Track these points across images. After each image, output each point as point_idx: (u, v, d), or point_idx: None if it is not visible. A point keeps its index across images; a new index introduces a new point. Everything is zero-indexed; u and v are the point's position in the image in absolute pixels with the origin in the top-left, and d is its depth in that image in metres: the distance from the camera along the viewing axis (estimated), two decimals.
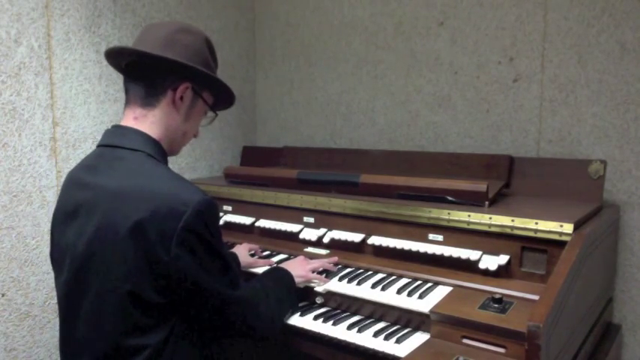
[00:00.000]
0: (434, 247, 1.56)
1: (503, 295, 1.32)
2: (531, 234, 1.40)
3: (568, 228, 1.34)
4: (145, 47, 1.24)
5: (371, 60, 2.43)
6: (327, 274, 1.62)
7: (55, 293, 1.35)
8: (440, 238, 1.56)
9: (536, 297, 1.26)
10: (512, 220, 1.43)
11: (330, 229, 1.81)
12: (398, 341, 1.32)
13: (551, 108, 1.97)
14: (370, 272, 1.62)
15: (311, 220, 1.86)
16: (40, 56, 1.87)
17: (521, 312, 1.25)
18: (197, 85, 1.31)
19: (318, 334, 1.42)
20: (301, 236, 1.84)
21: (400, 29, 2.32)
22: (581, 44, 1.88)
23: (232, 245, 1.88)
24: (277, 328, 1.40)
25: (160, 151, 1.28)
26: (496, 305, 1.28)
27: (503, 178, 1.85)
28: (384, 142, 2.42)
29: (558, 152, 1.96)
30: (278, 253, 1.84)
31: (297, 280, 1.52)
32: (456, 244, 1.53)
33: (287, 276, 1.51)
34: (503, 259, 1.44)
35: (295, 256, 1.71)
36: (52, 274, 1.37)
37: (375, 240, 1.67)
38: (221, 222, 2.06)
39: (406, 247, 1.59)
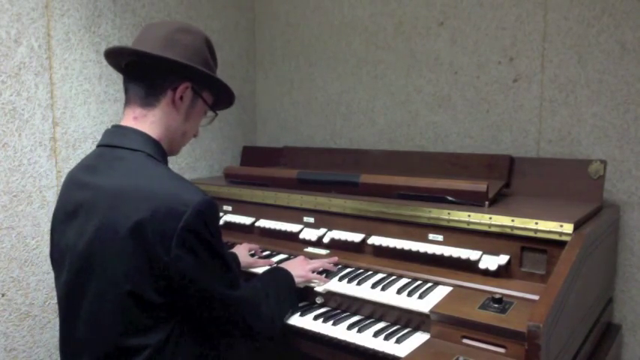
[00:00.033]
0: (434, 247, 1.56)
1: (503, 295, 1.32)
2: (531, 234, 1.40)
3: (568, 228, 1.34)
4: (145, 47, 1.23)
5: (371, 60, 2.43)
6: (327, 274, 1.62)
7: (55, 293, 1.35)
8: (440, 238, 1.56)
9: (536, 297, 1.26)
10: (512, 220, 1.43)
11: (330, 229, 1.81)
12: (398, 341, 1.32)
13: (551, 108, 1.97)
14: (370, 272, 1.62)
15: (311, 220, 1.86)
16: (40, 56, 1.87)
17: (521, 312, 1.25)
18: (197, 84, 1.31)
19: (318, 334, 1.42)
20: (301, 236, 1.84)
21: (400, 29, 2.32)
22: (581, 44, 1.88)
23: (232, 245, 1.88)
24: (277, 328, 1.40)
25: (159, 151, 1.28)
26: (496, 305, 1.28)
27: (504, 178, 1.85)
28: (384, 142, 2.42)
29: (558, 152, 1.96)
30: (278, 253, 1.84)
31: (297, 280, 1.52)
32: (456, 244, 1.53)
33: (287, 276, 1.51)
34: (503, 259, 1.44)
35: (295, 256, 1.71)
36: (52, 274, 1.37)
37: (375, 240, 1.67)
38: (221, 222, 2.06)
39: (406, 247, 1.59)
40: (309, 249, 1.82)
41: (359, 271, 1.63)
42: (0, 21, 1.75)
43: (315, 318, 1.48)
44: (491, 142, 2.11)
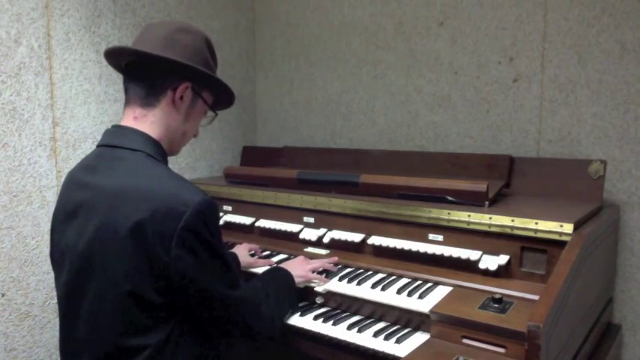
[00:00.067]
0: (434, 247, 1.56)
1: (503, 295, 1.32)
2: (531, 234, 1.40)
3: (568, 228, 1.34)
4: (145, 47, 1.23)
5: (371, 60, 2.43)
6: (327, 274, 1.62)
7: (55, 293, 1.35)
8: (440, 238, 1.56)
9: (536, 297, 1.26)
10: (512, 220, 1.43)
11: (330, 229, 1.81)
12: (398, 341, 1.32)
13: (551, 108, 1.97)
14: (370, 272, 1.62)
15: (311, 220, 1.86)
16: (40, 56, 1.87)
17: (521, 312, 1.25)
18: (197, 84, 1.31)
19: (318, 334, 1.42)
20: (301, 236, 1.84)
21: (400, 29, 2.32)
22: (581, 44, 1.88)
23: (232, 245, 1.88)
24: (277, 328, 1.40)
25: (159, 151, 1.28)
26: (496, 305, 1.28)
27: (504, 178, 1.85)
28: (384, 142, 2.42)
29: (558, 152, 1.96)
30: (278, 253, 1.84)
31: (297, 280, 1.52)
32: (456, 244, 1.53)
33: (287, 276, 1.51)
34: (503, 259, 1.44)
35: (295, 256, 1.71)
36: (52, 274, 1.37)
37: (375, 240, 1.67)
38: (221, 222, 2.06)
39: (406, 247, 1.59)
40: (309, 249, 1.82)
41: (359, 271, 1.63)
42: (0, 21, 1.75)
43: (315, 318, 1.48)
44: (491, 142, 2.11)
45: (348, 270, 1.65)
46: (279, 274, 1.51)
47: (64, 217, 1.25)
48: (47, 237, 1.86)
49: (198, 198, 1.14)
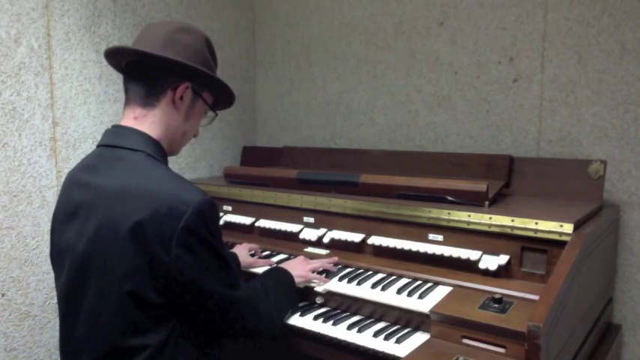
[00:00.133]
0: (434, 247, 1.56)
1: (503, 295, 1.32)
2: (531, 234, 1.40)
3: (568, 228, 1.34)
4: (145, 47, 1.23)
5: (371, 60, 2.43)
6: (327, 274, 1.62)
7: (55, 293, 1.35)
8: (440, 238, 1.56)
9: (536, 297, 1.26)
10: (512, 220, 1.43)
11: (330, 229, 1.81)
12: (398, 341, 1.32)
13: (551, 108, 1.97)
14: (370, 272, 1.62)
15: (311, 220, 1.86)
16: (40, 56, 1.87)
17: (521, 312, 1.25)
18: (197, 84, 1.31)
19: (318, 334, 1.42)
20: (301, 236, 1.84)
21: (400, 29, 2.32)
22: (581, 44, 1.88)
23: (232, 245, 1.88)
24: (277, 328, 1.39)
25: (160, 151, 1.28)
26: (496, 305, 1.28)
27: (504, 178, 1.85)
28: (384, 142, 2.42)
29: (558, 152, 1.96)
30: (278, 253, 1.84)
31: (297, 280, 1.52)
32: (456, 244, 1.53)
33: (287, 276, 1.51)
34: (503, 259, 1.44)
35: (295, 256, 1.71)
36: (52, 274, 1.37)
37: (375, 240, 1.67)
38: (221, 222, 2.06)
39: (406, 247, 1.59)
40: (309, 249, 1.82)
41: (359, 271, 1.63)
42: (0, 21, 1.75)
43: (315, 318, 1.48)
44: (491, 142, 2.11)
45: (348, 270, 1.65)
46: (279, 274, 1.51)
47: (64, 217, 1.25)
48: (47, 237, 1.86)
49: (198, 198, 1.14)
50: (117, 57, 1.30)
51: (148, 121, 1.27)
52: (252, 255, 1.81)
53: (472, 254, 1.48)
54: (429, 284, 1.50)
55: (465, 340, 1.25)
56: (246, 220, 2.02)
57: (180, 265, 1.12)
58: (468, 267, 1.49)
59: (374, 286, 1.51)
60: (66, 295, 1.23)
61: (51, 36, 1.90)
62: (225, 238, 1.41)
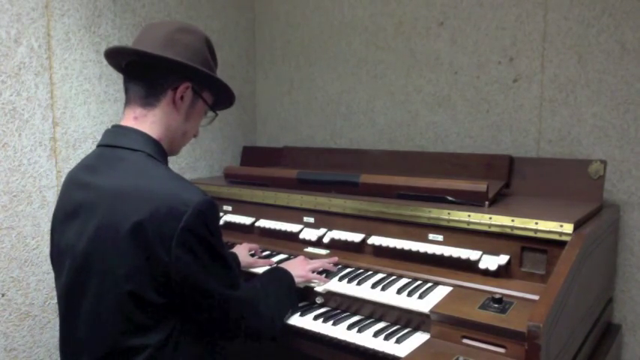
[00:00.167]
0: (434, 247, 1.56)
1: (503, 295, 1.32)
2: (531, 234, 1.40)
3: (568, 228, 1.34)
4: (145, 47, 1.23)
5: (371, 60, 2.43)
6: (327, 274, 1.62)
7: (55, 293, 1.35)
8: (440, 238, 1.56)
9: (536, 297, 1.26)
10: (512, 220, 1.43)
11: (330, 229, 1.81)
12: (398, 341, 1.32)
13: (551, 108, 1.97)
14: (370, 272, 1.62)
15: (311, 220, 1.86)
16: (40, 56, 1.87)
17: (521, 312, 1.25)
18: (197, 84, 1.31)
19: (318, 334, 1.42)
20: (301, 236, 1.84)
21: (400, 29, 2.32)
22: (581, 44, 1.88)
23: (232, 245, 1.88)
24: (277, 328, 1.40)
25: (160, 151, 1.28)
26: (496, 305, 1.28)
27: (504, 178, 1.85)
28: (384, 142, 2.42)
29: (558, 152, 1.96)
30: (278, 253, 1.84)
31: (297, 280, 1.52)
32: (456, 244, 1.53)
33: (287, 276, 1.51)
34: (503, 259, 1.44)
35: (295, 256, 1.71)
36: (52, 274, 1.37)
37: (375, 240, 1.67)
38: (221, 222, 2.06)
39: (406, 247, 1.59)
40: (309, 249, 1.82)
41: (359, 271, 1.63)
42: (0, 21, 1.75)
43: (315, 318, 1.48)
44: (491, 142, 2.11)
45: (348, 270, 1.65)
46: (279, 274, 1.51)
47: (64, 217, 1.25)
48: (47, 237, 1.86)
49: (198, 198, 1.14)
50: (117, 57, 1.30)
51: (148, 121, 1.27)
52: (252, 255, 1.81)
53: (472, 254, 1.48)
54: (429, 284, 1.50)
55: (465, 340, 1.25)
56: (246, 220, 2.02)
57: (180, 265, 1.12)
58: (468, 267, 1.49)
59: (374, 286, 1.51)
60: (66, 295, 1.23)
61: (51, 36, 1.90)
62: (225, 238, 1.41)
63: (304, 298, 1.58)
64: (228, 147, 2.73)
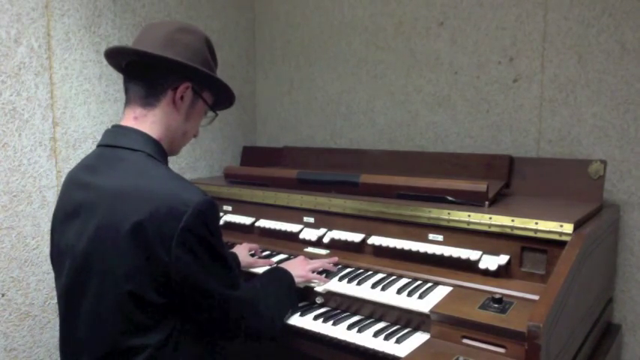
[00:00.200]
0: (434, 247, 1.56)
1: (503, 295, 1.32)
2: (531, 234, 1.40)
3: (568, 228, 1.34)
4: (145, 47, 1.23)
5: (371, 60, 2.43)
6: (327, 274, 1.62)
7: (55, 293, 1.35)
8: (440, 238, 1.56)
9: (536, 297, 1.26)
10: (512, 220, 1.43)
11: (330, 229, 1.81)
12: (398, 341, 1.32)
13: (551, 108, 1.97)
14: (370, 272, 1.62)
15: (311, 220, 1.86)
16: (40, 56, 1.87)
17: (521, 312, 1.25)
18: (197, 84, 1.31)
19: (318, 334, 1.42)
20: (301, 236, 1.84)
21: (400, 29, 2.32)
22: (581, 44, 1.88)
23: (232, 245, 1.88)
24: (277, 328, 1.40)
25: (160, 151, 1.28)
26: (496, 305, 1.28)
27: (504, 178, 1.85)
28: (384, 142, 2.42)
29: (558, 152, 1.96)
30: (278, 253, 1.84)
31: (297, 280, 1.52)
32: (456, 244, 1.53)
33: (287, 276, 1.51)
34: (503, 259, 1.44)
35: (295, 256, 1.71)
36: (52, 274, 1.37)
37: (375, 240, 1.67)
38: (221, 222, 2.06)
39: (406, 247, 1.59)
40: (309, 249, 1.82)
41: (359, 271, 1.63)
42: (0, 21, 1.75)
43: (315, 318, 1.48)
44: (491, 142, 2.11)
45: (348, 270, 1.65)
46: (279, 274, 1.51)
47: (64, 217, 1.25)
48: (47, 237, 1.86)
49: (198, 198, 1.14)
50: (117, 57, 1.30)
51: (148, 121, 1.27)
52: (252, 255, 1.82)
53: (472, 254, 1.48)
54: (429, 284, 1.50)
55: (465, 340, 1.25)
56: (246, 220, 2.02)
57: (180, 265, 1.12)
58: (468, 267, 1.49)
59: (374, 286, 1.51)
60: (66, 295, 1.23)
61: (51, 36, 1.90)
62: (225, 238, 1.41)
63: (304, 298, 1.58)
64: (228, 147, 2.73)
